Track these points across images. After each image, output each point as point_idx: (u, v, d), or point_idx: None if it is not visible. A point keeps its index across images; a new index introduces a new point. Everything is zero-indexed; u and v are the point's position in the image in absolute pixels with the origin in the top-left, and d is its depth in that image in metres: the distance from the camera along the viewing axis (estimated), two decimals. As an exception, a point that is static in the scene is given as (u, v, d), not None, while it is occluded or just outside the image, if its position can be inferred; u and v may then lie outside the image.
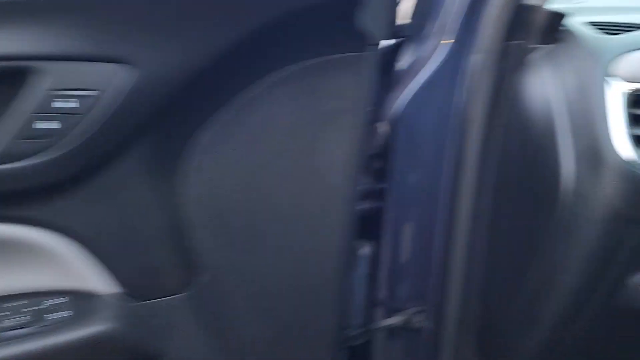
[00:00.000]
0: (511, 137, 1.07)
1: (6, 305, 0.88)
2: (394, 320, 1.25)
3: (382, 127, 1.22)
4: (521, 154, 1.05)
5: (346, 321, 1.19)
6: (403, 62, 1.24)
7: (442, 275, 1.20)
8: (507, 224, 1.10)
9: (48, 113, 0.79)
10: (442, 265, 1.20)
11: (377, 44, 0.98)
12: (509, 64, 1.07)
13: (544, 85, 1.01)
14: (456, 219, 1.16)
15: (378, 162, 1.24)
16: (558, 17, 1.04)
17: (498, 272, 1.14)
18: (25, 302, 0.89)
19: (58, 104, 0.79)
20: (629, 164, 0.89)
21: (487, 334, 1.19)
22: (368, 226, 1.26)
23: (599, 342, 1.04)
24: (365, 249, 1.27)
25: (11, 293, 0.89)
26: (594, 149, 0.91)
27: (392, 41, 1.25)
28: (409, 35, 1.23)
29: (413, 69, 1.19)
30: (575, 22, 1.05)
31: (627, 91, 0.91)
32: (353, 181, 1.00)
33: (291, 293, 1.01)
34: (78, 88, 0.79)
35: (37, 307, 0.90)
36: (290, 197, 0.96)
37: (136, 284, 0.93)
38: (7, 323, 0.88)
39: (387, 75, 1.26)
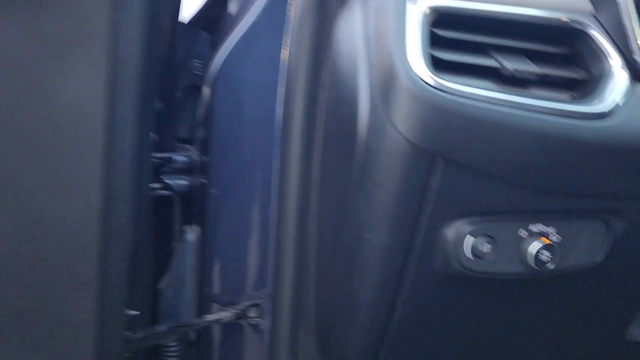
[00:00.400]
0: (335, 89, 0.93)
1: None
2: (224, 315, 1.08)
3: (205, 90, 1.08)
4: (339, 104, 0.90)
5: (143, 316, 1.00)
6: (229, 14, 1.10)
7: (276, 263, 1.03)
8: (332, 190, 0.94)
9: None
10: (275, 250, 1.03)
11: None
12: (331, 7, 0.94)
13: (354, 22, 0.87)
14: (286, 193, 1.00)
15: (202, 131, 1.09)
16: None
17: (327, 253, 0.97)
18: None
19: None
20: (426, 88, 0.74)
21: (323, 327, 1.01)
22: (192, 207, 1.10)
23: (429, 321, 0.86)
24: (190, 234, 1.10)
25: None
26: (387, 73, 0.76)
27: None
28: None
29: (235, 22, 1.05)
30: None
31: (426, 9, 0.77)
32: (114, 133, 0.80)
33: (23, 275, 0.79)
34: None
35: None
36: (14, 149, 0.76)
37: None
38: None
39: (214, 30, 1.12)
